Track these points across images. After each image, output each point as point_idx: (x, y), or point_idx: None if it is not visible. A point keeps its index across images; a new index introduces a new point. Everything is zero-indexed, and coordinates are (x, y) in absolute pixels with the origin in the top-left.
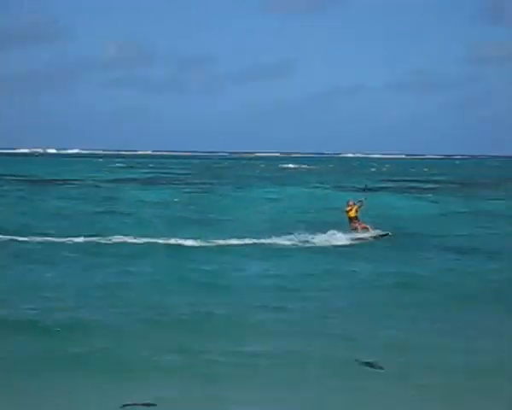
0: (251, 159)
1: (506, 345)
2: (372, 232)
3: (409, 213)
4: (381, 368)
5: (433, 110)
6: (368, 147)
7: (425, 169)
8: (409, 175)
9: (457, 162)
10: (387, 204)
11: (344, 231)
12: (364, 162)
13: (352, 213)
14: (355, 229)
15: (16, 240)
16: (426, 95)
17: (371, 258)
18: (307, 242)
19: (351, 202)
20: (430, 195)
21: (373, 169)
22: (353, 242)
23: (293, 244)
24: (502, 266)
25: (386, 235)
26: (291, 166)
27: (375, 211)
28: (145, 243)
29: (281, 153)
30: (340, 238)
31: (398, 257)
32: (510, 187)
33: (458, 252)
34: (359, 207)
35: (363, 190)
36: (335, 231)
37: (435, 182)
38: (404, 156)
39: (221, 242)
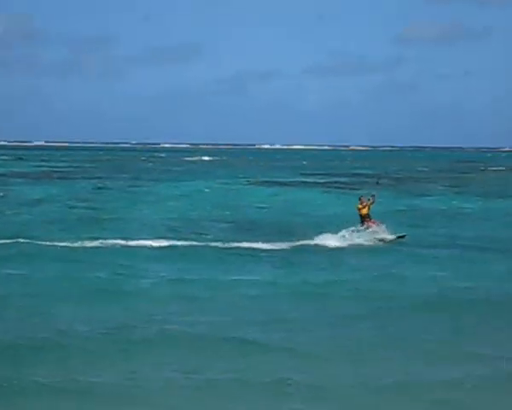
0: (156, 150)
1: (417, 359)
2: (387, 234)
3: (335, 211)
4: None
5: (359, 97)
6: (287, 137)
7: (347, 161)
8: (334, 168)
9: (386, 154)
10: (309, 201)
11: (265, 231)
12: (283, 154)
13: (365, 211)
14: (370, 228)
15: None
16: (350, 80)
17: (293, 263)
18: (219, 243)
19: (363, 199)
20: (360, 191)
21: (294, 161)
22: (276, 246)
23: (205, 246)
24: (441, 272)
25: (403, 237)
26: (201, 158)
27: (298, 209)
28: (31, 245)
29: (190, 144)
30: (261, 242)
31: (321, 262)
32: (445, 182)
33: (393, 256)
34: (371, 203)
35: (376, 183)
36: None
37: (365, 176)
38: (327, 147)
39: (121, 242)
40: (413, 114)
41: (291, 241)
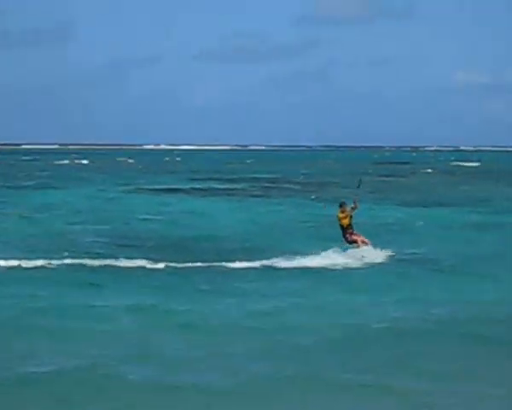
0: (16, 152)
1: None
2: (376, 251)
3: (234, 222)
4: None
5: (258, 87)
6: (175, 136)
7: (246, 163)
8: (231, 172)
9: (292, 154)
10: (204, 211)
11: (150, 248)
12: (171, 155)
13: (347, 221)
14: (353, 242)
15: None
16: (247, 67)
17: (182, 286)
18: (91, 261)
19: (345, 206)
20: (274, 199)
21: (183, 164)
22: (162, 265)
23: (74, 265)
24: (359, 296)
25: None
26: (74, 161)
27: (190, 220)
28: None
29: (59, 145)
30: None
31: (216, 286)
32: (363, 187)
33: (306, 279)
34: (353, 209)
35: (357, 186)
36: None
37: (266, 180)
38: (223, 147)
39: None
40: (322, 108)
41: (181, 259)
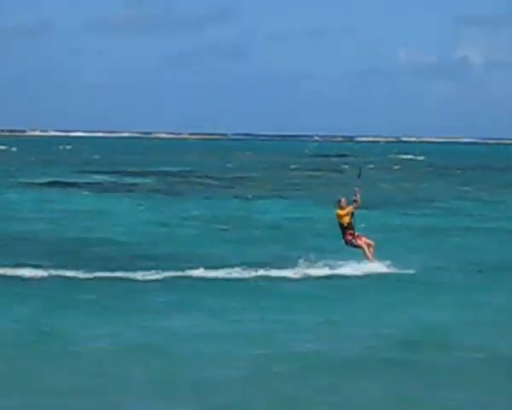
0: None
1: None
2: (377, 262)
3: (130, 223)
4: None
5: (164, 63)
6: (65, 120)
7: (149, 153)
8: (131, 164)
9: (202, 143)
10: (101, 210)
11: (33, 253)
12: (62, 142)
13: (347, 219)
14: (357, 247)
15: None
16: (152, 39)
17: (71, 298)
18: None
19: (343, 201)
20: (183, 196)
21: (75, 153)
22: (49, 273)
23: None
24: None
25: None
26: None
27: (83, 221)
28: None
29: None
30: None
31: (104, 301)
32: (280, 183)
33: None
34: (356, 208)
35: (358, 176)
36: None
37: (172, 174)
38: (124, 134)
39: None
40: (237, 90)
41: (69, 267)
